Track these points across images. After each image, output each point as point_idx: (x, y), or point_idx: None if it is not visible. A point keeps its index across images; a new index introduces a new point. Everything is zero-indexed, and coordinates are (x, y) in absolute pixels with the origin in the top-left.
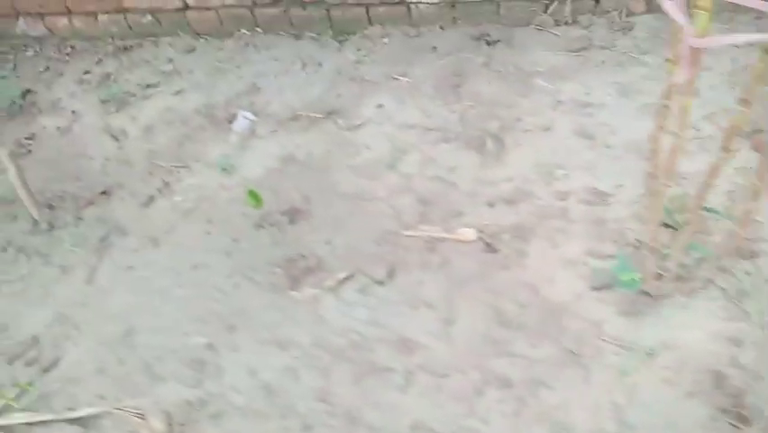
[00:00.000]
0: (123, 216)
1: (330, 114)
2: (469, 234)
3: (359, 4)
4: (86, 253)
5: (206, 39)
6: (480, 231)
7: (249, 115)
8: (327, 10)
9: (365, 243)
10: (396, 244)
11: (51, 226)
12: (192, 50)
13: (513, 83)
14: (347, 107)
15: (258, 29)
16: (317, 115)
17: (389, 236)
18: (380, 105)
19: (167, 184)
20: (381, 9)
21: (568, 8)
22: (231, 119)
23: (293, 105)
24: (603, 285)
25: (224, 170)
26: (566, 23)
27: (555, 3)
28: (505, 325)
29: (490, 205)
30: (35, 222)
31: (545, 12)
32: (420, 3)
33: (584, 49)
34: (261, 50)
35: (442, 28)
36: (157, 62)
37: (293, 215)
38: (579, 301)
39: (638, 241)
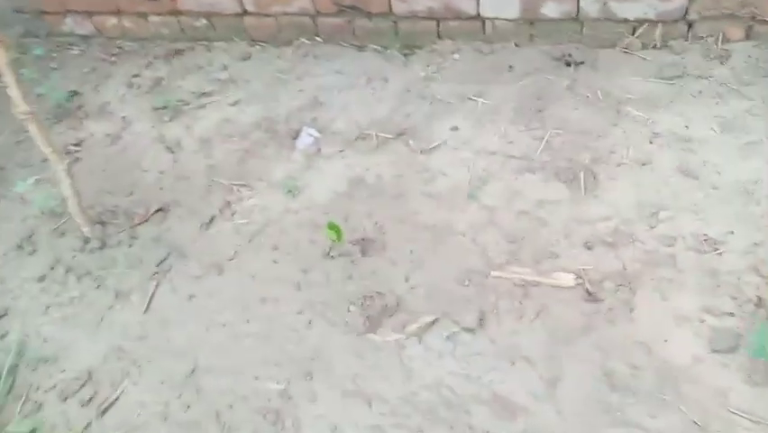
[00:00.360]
0: (182, 237)
1: (400, 134)
2: (566, 279)
3: (429, 18)
4: (142, 276)
5: (262, 46)
6: (579, 276)
7: (313, 132)
8: (395, 22)
9: (449, 282)
10: (483, 285)
11: (103, 245)
12: (247, 57)
13: (602, 110)
14: (419, 128)
15: (318, 38)
16: (387, 135)
17: (475, 276)
18: (455, 128)
19: (228, 204)
20: (453, 23)
21: (658, 32)
22: (294, 135)
23: (359, 123)
24: (726, 347)
25: (288, 191)
26: (655, 48)
27: (645, 25)
28: (617, 388)
29: (587, 247)
30: (86, 239)
31: (633, 34)
32: (497, 18)
33: (678, 77)
34: (322, 62)
35: (517, 45)
36: (211, 69)
37: (366, 245)
38: (699, 365)
39: (758, 298)
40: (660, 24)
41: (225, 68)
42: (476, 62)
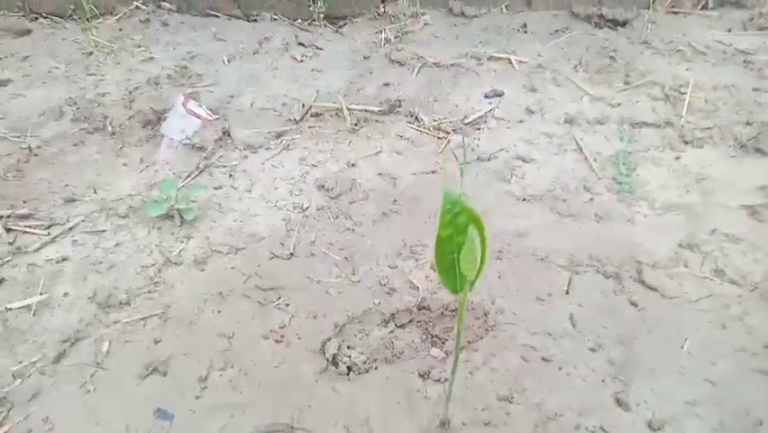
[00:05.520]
0: None
1: (394, 107)
2: None
3: None
4: None
5: (53, 19)
6: None
7: (199, 107)
8: None
9: None
10: None
11: None
12: (25, 32)
13: None
14: (423, 99)
15: (166, 3)
16: (369, 109)
17: None
18: (496, 93)
19: None
20: None
21: None
22: (151, 121)
23: (292, 99)
24: None
25: (169, 217)
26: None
27: None
28: None
29: None
30: None
31: None
32: None
33: None
34: (184, 29)
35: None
36: None
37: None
38: None
39: None
40: None
41: None
42: (462, 26)
